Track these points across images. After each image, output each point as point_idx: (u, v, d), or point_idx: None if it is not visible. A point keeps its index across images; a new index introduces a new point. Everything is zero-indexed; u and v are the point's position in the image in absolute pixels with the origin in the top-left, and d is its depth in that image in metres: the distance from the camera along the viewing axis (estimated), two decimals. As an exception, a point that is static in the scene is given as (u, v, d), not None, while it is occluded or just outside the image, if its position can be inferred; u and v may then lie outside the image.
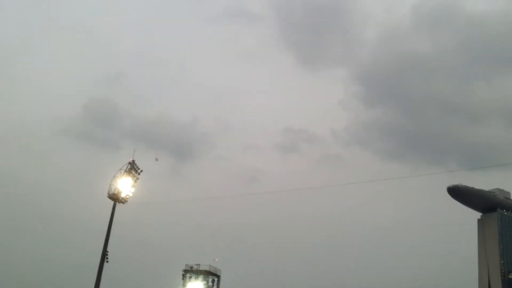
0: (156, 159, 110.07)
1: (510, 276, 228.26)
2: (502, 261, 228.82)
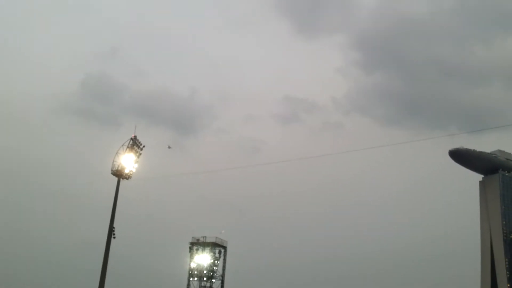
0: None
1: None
2: (503, 222, 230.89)
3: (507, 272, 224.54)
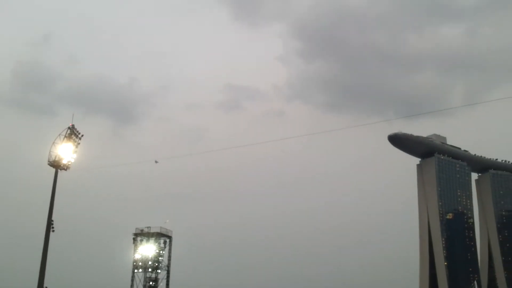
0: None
1: (448, 217, 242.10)
2: (440, 203, 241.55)
3: (444, 251, 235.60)
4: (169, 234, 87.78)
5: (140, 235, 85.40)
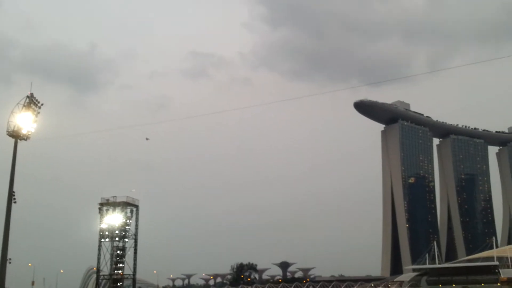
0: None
1: (410, 181, 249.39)
2: (403, 168, 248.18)
3: (406, 214, 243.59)
4: (136, 203, 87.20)
5: (106, 204, 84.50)
